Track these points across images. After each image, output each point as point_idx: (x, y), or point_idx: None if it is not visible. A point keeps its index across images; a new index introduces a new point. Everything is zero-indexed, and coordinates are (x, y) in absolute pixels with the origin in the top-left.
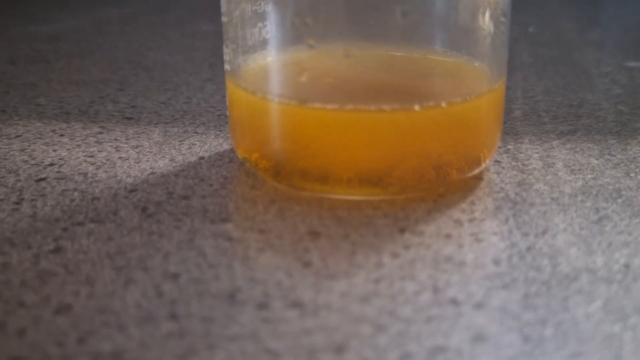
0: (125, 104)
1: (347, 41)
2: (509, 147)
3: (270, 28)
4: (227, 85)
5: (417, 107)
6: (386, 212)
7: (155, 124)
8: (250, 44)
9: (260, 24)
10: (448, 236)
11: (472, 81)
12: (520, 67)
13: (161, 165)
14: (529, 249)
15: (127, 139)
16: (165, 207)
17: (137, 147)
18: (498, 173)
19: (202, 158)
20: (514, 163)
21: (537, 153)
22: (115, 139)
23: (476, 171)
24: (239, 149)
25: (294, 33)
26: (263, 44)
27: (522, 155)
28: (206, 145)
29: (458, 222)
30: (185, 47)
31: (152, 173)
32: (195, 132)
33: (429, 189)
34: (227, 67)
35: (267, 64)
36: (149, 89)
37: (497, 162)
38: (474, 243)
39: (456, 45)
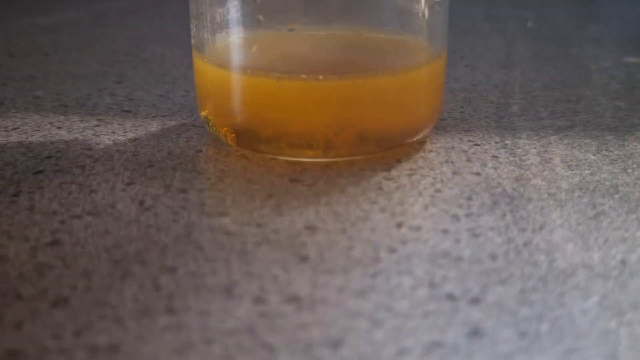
0: (123, 97)
1: (295, 18)
2: (507, 142)
3: (228, 8)
4: (193, 57)
5: (349, 76)
6: (383, 207)
7: (153, 117)
8: (211, 21)
9: (218, 6)
10: (445, 231)
11: (407, 55)
12: (519, 62)
13: (159, 158)
14: (525, 244)
15: (125, 132)
16: (163, 201)
17: (134, 140)
18: (495, 168)
19: (199, 151)
20: (511, 158)
21: (535, 148)
22: (113, 132)
23: (416, 138)
24: (202, 112)
25: (248, 12)
26: (223, 21)
27: (519, 150)
28: (204, 138)
29: (455, 217)
30: (183, 40)
31: (150, 166)
32: (193, 126)
33: (365, 153)
34: (192, 41)
35: (224, 39)
36: (146, 82)
37: (495, 157)
38: (471, 238)
39: (395, 23)
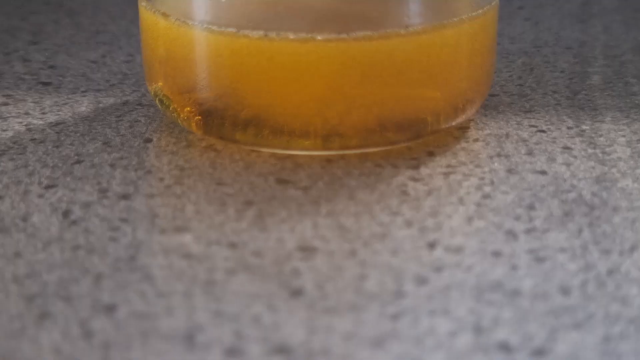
0: (40, 64)
1: None
2: (584, 127)
3: None
4: (139, 7)
5: (359, 34)
6: (409, 219)
7: (83, 92)
8: None
9: None
10: (497, 254)
11: (441, 3)
12: (601, 13)
13: (91, 151)
14: (610, 272)
15: (43, 113)
16: (97, 211)
17: (56, 124)
18: (568, 165)
19: (148, 141)
20: (590, 150)
21: (624, 136)
22: (27, 113)
23: (458, 121)
24: (152, 85)
25: None
26: None
27: (602, 139)
28: (155, 122)
29: (511, 234)
30: None
31: (79, 162)
32: (140, 105)
33: (383, 143)
34: None
35: None
36: (74, 42)
37: (567, 148)
38: (534, 264)
39: None
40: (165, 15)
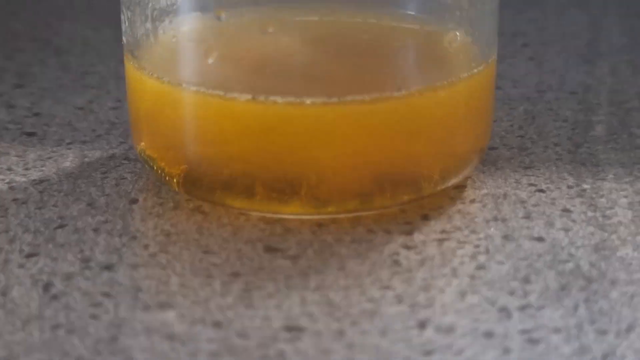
0: (24, 110)
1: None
2: (585, 186)
3: None
4: (125, 62)
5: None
6: (400, 294)
7: (69, 143)
8: (152, 11)
9: None
10: (489, 334)
11: (440, 62)
12: (607, 53)
13: (74, 213)
14: (605, 356)
15: (26, 169)
16: (79, 284)
17: (40, 182)
18: (567, 230)
19: (134, 201)
20: (590, 213)
21: (626, 197)
22: (9, 169)
23: (454, 181)
24: (139, 146)
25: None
26: (168, 11)
27: (602, 200)
28: (141, 180)
29: (505, 312)
30: (116, 17)
31: (61, 226)
32: (126, 159)
33: (376, 206)
34: (124, 39)
35: (170, 39)
36: (61, 85)
37: (567, 211)
38: (527, 346)
39: (426, 8)
40: (150, 73)
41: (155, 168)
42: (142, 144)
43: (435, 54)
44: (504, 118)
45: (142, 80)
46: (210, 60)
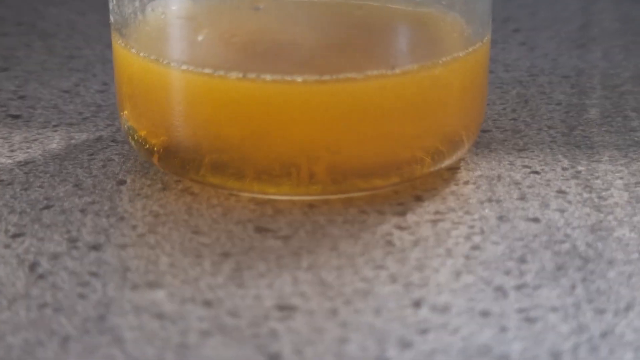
0: (9, 93)
1: None
2: (580, 168)
3: None
4: (112, 41)
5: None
6: (393, 273)
7: (55, 125)
8: None
9: None
10: (485, 313)
11: (433, 41)
12: (600, 37)
13: (61, 194)
14: (604, 335)
15: (12, 151)
16: (66, 263)
17: (26, 163)
18: (562, 211)
19: (122, 183)
20: (586, 195)
21: (621, 178)
22: None
23: (447, 162)
24: (128, 128)
25: None
26: None
27: (598, 181)
28: (129, 161)
29: (501, 291)
30: (103, 1)
31: (48, 207)
32: (114, 140)
33: (369, 187)
34: (111, 18)
35: (158, 16)
36: (46, 69)
37: (561, 192)
38: (524, 325)
39: None
40: (138, 52)
41: (145, 148)
42: (131, 124)
43: (429, 33)
44: (496, 101)
45: (130, 59)
46: (200, 38)
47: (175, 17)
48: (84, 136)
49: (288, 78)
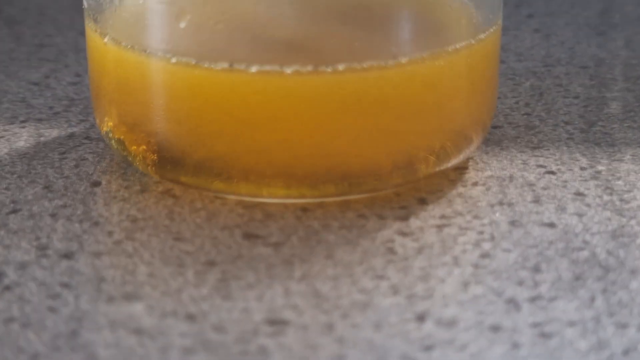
0: None
1: None
2: (600, 167)
3: None
4: (86, 29)
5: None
6: (395, 284)
7: (22, 121)
8: None
9: None
10: (495, 328)
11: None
12: (622, 24)
13: (29, 197)
14: (626, 352)
15: None
16: (34, 273)
17: None
18: (580, 215)
19: (96, 184)
20: (606, 197)
21: None
22: None
23: (454, 162)
24: (103, 124)
25: None
26: None
27: (619, 182)
28: (104, 161)
29: (513, 304)
30: None
31: (15, 211)
32: (87, 138)
33: (367, 189)
34: (85, 3)
35: (136, 1)
36: (13, 59)
37: (580, 194)
38: (539, 341)
39: None
40: (115, 40)
41: (120, 147)
42: (106, 120)
43: (434, 19)
44: (508, 94)
45: (105, 48)
46: (182, 25)
47: (155, 1)
48: (55, 133)
49: (280, 69)
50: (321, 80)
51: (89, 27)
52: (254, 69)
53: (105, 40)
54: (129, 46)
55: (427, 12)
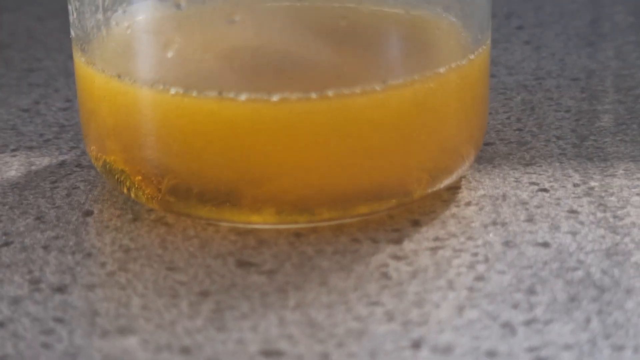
0: None
1: None
2: (592, 183)
3: None
4: (74, 58)
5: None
6: (390, 310)
7: (13, 150)
8: (103, 0)
9: None
10: (491, 354)
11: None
12: (612, 34)
13: (21, 229)
14: None
15: None
16: (28, 308)
17: None
18: (574, 234)
19: (88, 214)
20: (599, 214)
21: (639, 194)
22: None
23: (447, 182)
24: (92, 152)
25: None
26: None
27: (613, 199)
28: (96, 189)
29: (508, 328)
30: (64, 6)
31: (7, 244)
32: (78, 165)
33: (363, 212)
34: (72, 33)
35: (123, 31)
36: (3, 85)
37: (573, 212)
38: None
39: None
40: (102, 70)
41: (110, 175)
42: (96, 148)
43: (422, 41)
44: (499, 109)
45: (93, 78)
46: (169, 54)
47: (142, 31)
48: (46, 161)
49: (269, 96)
50: (311, 107)
51: (77, 56)
52: (243, 97)
53: (93, 69)
54: (116, 76)
55: (415, 35)
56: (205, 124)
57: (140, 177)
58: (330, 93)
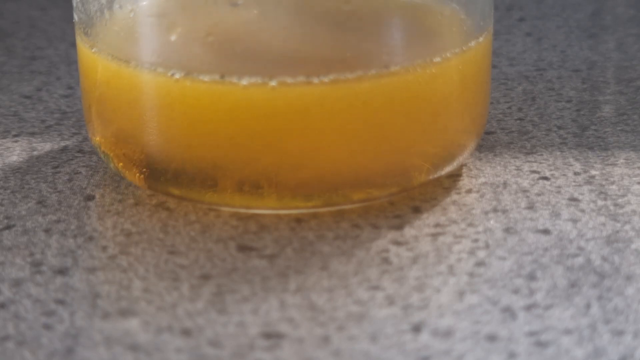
0: None
1: None
2: (593, 172)
3: None
4: (77, 43)
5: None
6: (390, 294)
7: (15, 135)
8: None
9: None
10: (492, 338)
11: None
12: (614, 26)
13: (23, 213)
14: (623, 359)
15: None
16: (29, 290)
17: None
18: (575, 221)
19: (90, 198)
20: (600, 202)
21: (639, 183)
22: None
23: (448, 169)
24: (96, 138)
25: None
26: None
27: (613, 187)
28: (98, 174)
29: (509, 312)
30: None
31: (9, 227)
32: (80, 151)
33: (362, 198)
34: (75, 16)
35: (127, 15)
36: (5, 72)
37: (574, 200)
38: (534, 349)
39: None
40: (106, 54)
41: (112, 160)
42: (98, 133)
43: (425, 27)
44: (500, 99)
45: (96, 62)
46: (173, 37)
47: (145, 14)
48: (48, 147)
49: (271, 80)
50: (313, 91)
51: (80, 40)
52: (245, 80)
53: (96, 53)
54: (119, 59)
55: (417, 21)
56: (207, 107)
57: (139, 160)
58: (332, 78)
